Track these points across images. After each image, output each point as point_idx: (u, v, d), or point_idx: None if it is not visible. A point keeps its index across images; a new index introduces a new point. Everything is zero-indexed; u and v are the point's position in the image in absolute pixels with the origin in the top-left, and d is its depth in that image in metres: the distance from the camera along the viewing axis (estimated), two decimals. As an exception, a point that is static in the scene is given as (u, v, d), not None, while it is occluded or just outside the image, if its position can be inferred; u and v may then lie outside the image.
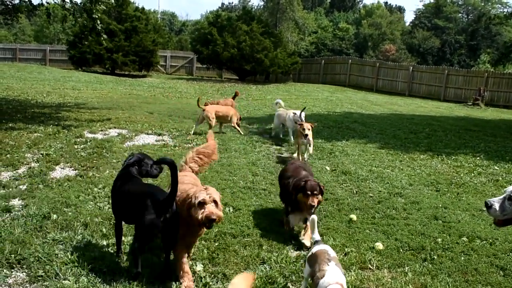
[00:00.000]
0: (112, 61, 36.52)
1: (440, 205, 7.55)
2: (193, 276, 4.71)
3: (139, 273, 4.58)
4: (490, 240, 6.16)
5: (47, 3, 16.62)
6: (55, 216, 6.02)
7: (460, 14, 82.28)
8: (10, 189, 7.08)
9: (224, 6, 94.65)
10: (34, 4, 16.86)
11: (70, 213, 6.19)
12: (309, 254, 4.44)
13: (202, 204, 4.42)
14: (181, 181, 4.80)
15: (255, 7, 65.42)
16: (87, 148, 10.05)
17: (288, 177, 6.33)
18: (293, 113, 12.37)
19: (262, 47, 35.97)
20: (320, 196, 5.80)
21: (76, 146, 10.21)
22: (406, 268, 5.26)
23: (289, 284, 4.80)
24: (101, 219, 6.06)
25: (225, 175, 8.66)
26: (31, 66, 36.55)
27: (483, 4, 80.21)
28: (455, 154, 11.84)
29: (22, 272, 4.71)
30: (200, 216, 4.39)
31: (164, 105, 19.61)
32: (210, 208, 4.41)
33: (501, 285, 5.01)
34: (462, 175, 9.81)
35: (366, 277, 4.98)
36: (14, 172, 8.06)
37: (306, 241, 5.78)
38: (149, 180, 6.33)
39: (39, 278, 4.59)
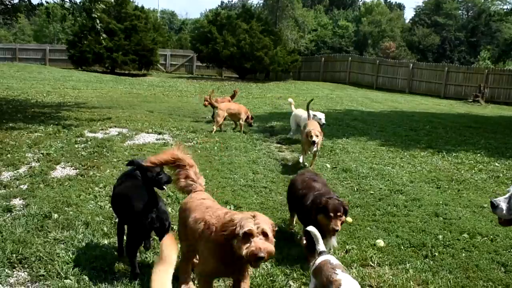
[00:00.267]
0: (112, 60, 36.51)
1: (440, 202, 7.56)
2: (194, 275, 4.72)
3: (137, 274, 4.59)
4: (491, 236, 6.17)
5: (47, 2, 16.64)
6: (56, 215, 6.04)
7: (460, 11, 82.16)
8: (11, 189, 7.09)
9: (224, 4, 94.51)
10: (34, 3, 16.86)
11: (71, 213, 6.20)
12: (313, 267, 4.17)
13: (248, 236, 3.57)
14: (206, 205, 4.29)
15: (255, 5, 65.37)
16: (88, 148, 10.06)
17: (303, 193, 5.53)
18: (313, 114, 11.41)
19: (262, 45, 35.93)
20: (344, 218, 5.03)
21: (76, 146, 10.21)
22: (407, 265, 5.26)
23: (290, 282, 4.81)
24: (102, 218, 6.07)
25: (225, 173, 8.66)
26: (31, 66, 36.55)
27: (483, 0, 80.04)
28: (455, 151, 11.83)
29: (24, 271, 4.72)
30: (244, 252, 3.56)
31: (164, 103, 19.61)
32: (257, 242, 3.55)
33: (502, 281, 5.02)
34: (462, 172, 9.81)
35: (367, 274, 4.99)
36: (15, 171, 8.07)
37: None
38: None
39: (41, 277, 4.61)
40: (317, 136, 9.13)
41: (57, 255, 4.99)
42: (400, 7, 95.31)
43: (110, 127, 12.48)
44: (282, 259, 5.25)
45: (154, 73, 41.69)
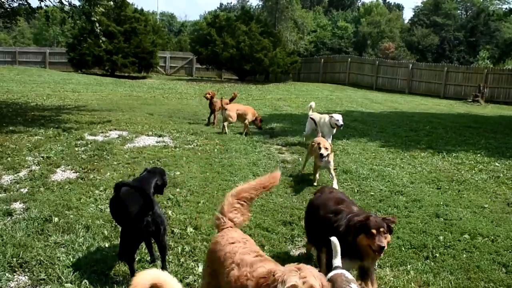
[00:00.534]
0: (112, 63, 36.50)
1: (441, 203, 7.55)
2: (195, 278, 4.73)
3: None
4: (492, 237, 6.17)
5: (46, 6, 16.66)
6: (56, 219, 6.03)
7: (459, 11, 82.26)
8: (11, 193, 7.10)
9: (223, 6, 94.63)
10: (33, 7, 16.88)
11: (71, 216, 6.19)
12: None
13: None
14: (234, 251, 3.56)
15: (254, 7, 65.46)
16: (88, 151, 10.05)
17: (331, 218, 4.67)
18: (330, 116, 11.30)
19: (261, 47, 35.94)
20: (388, 236, 4.25)
21: (76, 149, 10.21)
22: (408, 266, 5.27)
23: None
24: (103, 222, 6.06)
25: (226, 176, 8.66)
26: (30, 69, 36.55)
27: (481, 0, 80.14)
28: (455, 151, 11.83)
29: (24, 275, 4.72)
30: None
31: (164, 106, 19.61)
32: None
33: (503, 282, 5.02)
34: (463, 172, 9.81)
35: (368, 276, 4.98)
36: (15, 175, 8.07)
37: None
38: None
39: (41, 281, 4.61)
40: (326, 148, 8.21)
41: (58, 259, 4.99)
42: (399, 7, 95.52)
43: (110, 130, 12.48)
44: (282, 261, 5.23)
45: (154, 76, 41.69)
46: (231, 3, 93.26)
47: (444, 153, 11.53)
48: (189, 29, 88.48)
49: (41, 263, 4.89)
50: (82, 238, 5.53)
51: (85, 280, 4.59)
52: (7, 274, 4.67)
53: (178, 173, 8.61)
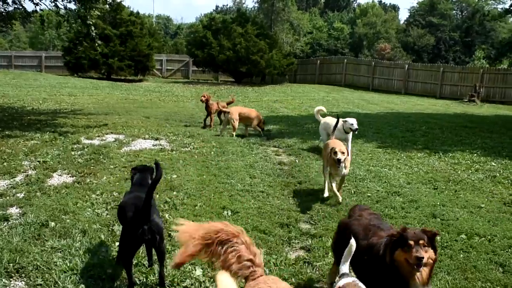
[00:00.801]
0: (108, 66, 36.50)
1: (438, 203, 7.56)
2: (192, 281, 4.72)
3: (133, 284, 4.59)
4: (489, 236, 6.17)
5: (41, 10, 16.64)
6: (53, 223, 6.01)
7: (454, 11, 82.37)
8: (8, 198, 7.07)
9: (219, 8, 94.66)
10: (28, 11, 16.86)
11: (68, 221, 6.17)
12: None
13: None
14: None
15: (250, 9, 65.48)
16: (84, 155, 10.04)
17: (368, 243, 4.16)
18: (343, 121, 10.82)
19: (257, 48, 35.98)
20: (431, 252, 3.73)
21: (73, 153, 10.18)
22: (405, 267, 5.26)
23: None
24: (100, 226, 6.05)
25: (222, 178, 8.65)
26: (26, 73, 36.53)
27: (477, 0, 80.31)
28: (452, 151, 11.85)
29: (21, 281, 4.70)
30: None
31: (161, 109, 19.60)
32: None
33: (501, 281, 5.02)
34: (459, 172, 9.82)
35: (365, 277, 4.97)
36: (11, 180, 8.04)
37: None
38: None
39: (38, 286, 4.59)
40: (343, 153, 7.40)
41: (54, 263, 4.97)
42: (395, 8, 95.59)
43: (107, 134, 12.46)
44: (279, 263, 5.24)
45: (150, 79, 41.68)
46: (227, 5, 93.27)
47: (441, 153, 11.54)
48: (185, 31, 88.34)
49: (37, 268, 4.87)
50: (79, 242, 5.51)
51: (82, 285, 4.58)
52: (3, 279, 4.65)
53: (174, 176, 8.60)
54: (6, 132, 12.08)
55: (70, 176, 8.43)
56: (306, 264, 5.31)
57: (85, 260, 5.06)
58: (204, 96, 15.08)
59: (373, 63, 39.88)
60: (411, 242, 3.68)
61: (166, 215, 6.51)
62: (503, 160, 11.01)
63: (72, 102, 20.93)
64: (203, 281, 4.78)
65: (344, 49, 72.11)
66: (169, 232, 5.91)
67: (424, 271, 3.69)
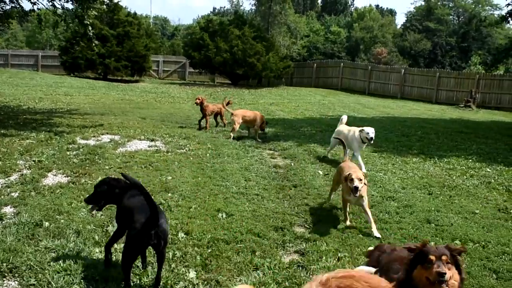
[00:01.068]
0: (105, 66, 36.45)
1: (432, 208, 7.57)
2: (186, 283, 4.72)
3: (129, 286, 4.58)
4: (483, 243, 6.18)
5: (39, 9, 16.61)
6: (47, 223, 6.00)
7: (451, 17, 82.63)
8: (2, 197, 7.05)
9: (216, 10, 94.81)
10: (26, 10, 16.83)
11: (62, 221, 6.16)
12: None
13: None
14: None
15: (247, 12, 65.53)
16: (80, 155, 10.02)
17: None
18: (360, 130, 10.36)
19: (254, 51, 36.01)
20: (455, 271, 3.44)
21: (68, 153, 10.16)
22: (399, 272, 5.26)
23: None
24: (94, 227, 6.03)
25: (217, 181, 8.64)
26: (23, 72, 36.44)
27: (473, 6, 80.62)
28: (447, 157, 11.87)
29: (14, 280, 4.69)
30: None
31: (157, 110, 19.59)
32: None
33: (494, 288, 5.03)
34: (454, 177, 9.84)
35: (359, 282, 4.97)
36: (6, 179, 8.02)
37: None
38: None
39: (31, 286, 4.58)
40: (360, 180, 6.51)
41: (48, 264, 4.95)
42: (392, 12, 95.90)
43: (102, 134, 12.44)
44: (274, 267, 5.24)
45: (147, 79, 41.66)
46: (224, 7, 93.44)
47: (436, 159, 11.57)
48: (182, 33, 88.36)
49: (31, 268, 4.86)
50: (73, 243, 5.50)
51: (76, 286, 4.57)
52: (-4, 279, 4.65)
53: (170, 177, 8.60)
54: (2, 131, 12.04)
55: (65, 176, 8.41)
56: (300, 268, 5.31)
57: (78, 261, 5.04)
58: (199, 99, 15.06)
59: (369, 67, 39.97)
60: (432, 258, 3.40)
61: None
62: (498, 166, 11.04)
63: (68, 101, 20.89)
64: (197, 284, 4.77)
65: (340, 53, 72.28)
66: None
67: None
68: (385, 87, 37.71)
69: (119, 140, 11.75)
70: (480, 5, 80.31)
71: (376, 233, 6.31)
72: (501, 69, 43.97)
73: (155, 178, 8.52)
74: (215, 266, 5.16)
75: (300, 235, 6.24)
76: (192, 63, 39.72)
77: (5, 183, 7.77)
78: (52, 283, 4.60)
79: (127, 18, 38.30)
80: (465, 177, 9.94)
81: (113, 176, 5.40)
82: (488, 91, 32.58)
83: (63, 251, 5.29)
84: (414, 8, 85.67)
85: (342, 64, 42.15)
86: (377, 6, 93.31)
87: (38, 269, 4.84)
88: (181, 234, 5.92)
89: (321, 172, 9.77)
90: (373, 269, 3.67)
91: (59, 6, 15.78)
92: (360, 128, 10.37)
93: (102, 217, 6.36)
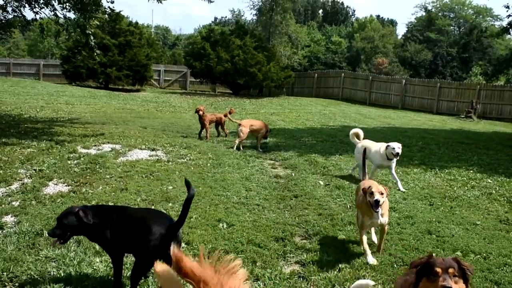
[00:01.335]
0: (106, 76, 36.55)
1: (433, 219, 7.55)
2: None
3: None
4: (484, 254, 6.17)
5: (41, 18, 16.67)
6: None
7: (452, 27, 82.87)
8: (3, 206, 7.05)
9: (217, 20, 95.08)
10: (28, 19, 16.89)
11: (63, 230, 6.14)
12: None
13: None
14: None
15: (248, 22, 65.74)
16: (80, 164, 10.02)
17: None
18: (386, 146, 9.83)
19: (255, 61, 36.11)
20: (463, 285, 3.31)
21: (69, 162, 10.17)
22: (400, 283, 5.24)
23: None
24: (94, 236, 6.02)
25: (218, 191, 8.64)
26: (24, 80, 36.52)
27: (474, 17, 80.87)
28: (448, 168, 11.87)
29: (14, 290, 4.68)
30: None
31: (158, 119, 19.61)
32: None
33: (495, 300, 5.01)
34: (455, 188, 9.82)
35: (360, 293, 4.96)
36: (7, 188, 8.03)
37: None
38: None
39: (32, 296, 4.57)
40: (381, 194, 5.77)
41: (48, 273, 4.95)
42: (393, 23, 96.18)
43: (103, 143, 12.44)
44: (274, 277, 5.22)
45: (148, 89, 41.76)
46: (225, 17, 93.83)
47: (437, 169, 11.56)
48: (184, 42, 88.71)
49: (31, 277, 4.85)
50: (73, 252, 5.50)
51: (76, 296, 4.57)
52: (-4, 289, 4.64)
53: (170, 187, 8.59)
54: (3, 140, 12.06)
55: (66, 185, 8.41)
56: (301, 278, 5.29)
57: (79, 271, 5.04)
58: (200, 110, 15.09)
59: (370, 77, 40.04)
60: (438, 270, 3.28)
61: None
62: (499, 177, 11.02)
63: (69, 110, 20.92)
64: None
65: (341, 63, 72.49)
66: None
67: None
68: (386, 98, 37.76)
69: (120, 149, 11.76)
70: (481, 16, 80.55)
71: (371, 259, 5.72)
72: (502, 80, 44.02)
73: (156, 187, 8.52)
74: (215, 277, 5.14)
75: (301, 245, 6.22)
76: (193, 73, 39.83)
77: (6, 192, 7.78)
78: (53, 293, 4.59)
79: (129, 28, 38.48)
80: (466, 188, 9.93)
81: (79, 205, 5.00)
82: (489, 102, 32.60)
83: (63, 260, 5.28)
84: (415, 18, 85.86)
85: (343, 74, 42.22)
86: (378, 16, 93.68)
87: (39, 278, 4.84)
88: (182, 244, 5.90)
89: (322, 183, 9.76)
90: (371, 282, 3.64)
91: (61, 16, 15.85)
92: (387, 144, 9.82)
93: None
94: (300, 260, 5.79)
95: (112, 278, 4.83)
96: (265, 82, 36.93)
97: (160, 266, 2.77)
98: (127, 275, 4.87)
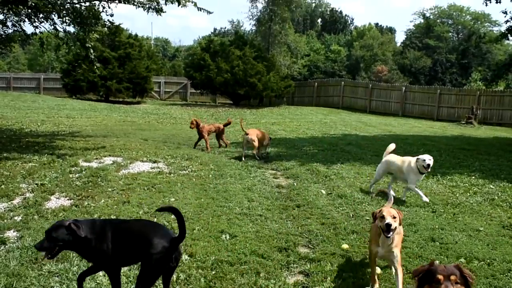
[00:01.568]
0: (106, 88, 36.62)
1: (436, 226, 7.54)
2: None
3: None
4: (488, 260, 6.15)
5: (41, 32, 16.73)
6: (50, 247, 5.97)
7: (450, 34, 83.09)
8: (5, 221, 7.05)
9: (217, 31, 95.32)
10: (28, 33, 16.96)
11: (65, 244, 6.13)
12: None
13: None
14: None
15: (248, 32, 65.89)
16: (82, 177, 10.02)
17: None
18: (416, 159, 9.23)
19: (255, 71, 36.18)
20: None
21: (71, 175, 10.17)
22: (405, 292, 5.22)
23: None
24: (97, 250, 6.01)
25: (220, 202, 8.63)
26: (25, 94, 36.58)
27: (473, 23, 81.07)
28: (450, 174, 11.85)
29: (18, 306, 4.67)
30: None
31: (159, 131, 19.62)
32: None
33: (500, 307, 4.99)
34: (457, 195, 9.81)
35: (364, 302, 4.95)
36: (9, 203, 8.03)
37: None
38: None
39: (35, 312, 4.55)
40: (393, 217, 5.07)
41: (52, 288, 4.95)
42: (391, 30, 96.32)
43: (105, 156, 12.44)
44: (278, 288, 5.21)
45: (148, 101, 41.83)
46: (225, 28, 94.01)
47: (439, 176, 11.54)
48: (183, 54, 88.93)
49: (34, 293, 4.85)
50: (76, 266, 5.49)
51: (79, 310, 4.55)
52: (0, 304, 4.63)
53: (172, 199, 8.59)
54: (4, 154, 12.06)
55: (68, 199, 8.41)
56: (305, 289, 5.28)
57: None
58: (193, 123, 15.14)
59: (370, 85, 40.07)
60: (440, 277, 3.32)
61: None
62: (501, 183, 11.01)
63: (70, 124, 20.94)
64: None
65: (341, 71, 72.62)
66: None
67: None
68: (386, 105, 37.80)
69: (121, 162, 11.76)
70: (479, 22, 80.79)
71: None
72: (502, 85, 44.04)
73: (158, 200, 8.52)
74: (219, 288, 5.14)
75: (304, 255, 6.21)
76: (193, 84, 39.90)
77: (8, 207, 7.78)
78: (56, 307, 4.58)
79: (128, 40, 38.60)
80: (468, 194, 9.92)
81: (70, 219, 4.77)
82: (489, 108, 32.64)
83: (66, 275, 5.27)
84: (413, 26, 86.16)
85: (343, 82, 42.28)
86: (376, 24, 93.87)
87: (42, 293, 4.83)
88: (184, 256, 5.89)
89: (324, 192, 9.75)
90: None
91: (61, 29, 15.90)
92: (416, 157, 9.22)
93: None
94: (303, 270, 5.78)
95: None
96: (265, 92, 36.98)
97: None
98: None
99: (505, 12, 22.89)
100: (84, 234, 4.38)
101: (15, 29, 16.63)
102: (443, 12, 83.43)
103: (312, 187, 10.15)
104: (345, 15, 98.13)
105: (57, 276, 5.27)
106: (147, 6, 14.97)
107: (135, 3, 14.92)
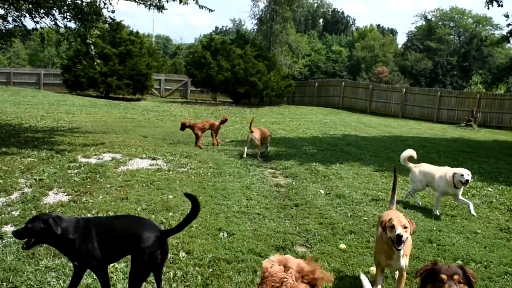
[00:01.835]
0: (107, 85, 36.65)
1: (434, 228, 7.54)
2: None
3: None
4: (485, 263, 6.15)
5: (41, 28, 16.71)
6: (47, 242, 5.97)
7: (451, 36, 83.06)
8: (3, 215, 7.03)
9: (218, 29, 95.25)
10: (28, 28, 16.94)
11: (63, 240, 6.13)
12: None
13: None
14: None
15: (249, 31, 65.89)
16: (81, 173, 10.01)
17: None
18: (454, 173, 8.53)
19: (256, 70, 36.18)
20: None
21: (69, 171, 10.16)
22: (401, 293, 5.22)
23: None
24: (94, 246, 6.00)
25: (219, 200, 8.62)
26: (25, 90, 36.57)
27: (474, 26, 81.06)
28: (449, 176, 11.83)
29: (14, 300, 4.66)
30: None
31: (158, 128, 19.60)
32: None
33: (497, 309, 4.99)
34: (456, 197, 9.80)
35: (361, 302, 4.94)
36: (7, 197, 8.01)
37: None
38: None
39: (31, 306, 4.55)
40: (405, 228, 4.61)
41: (48, 283, 4.94)
42: (393, 32, 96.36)
43: (104, 152, 12.43)
44: None
45: (149, 98, 41.83)
46: (226, 26, 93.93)
47: (437, 178, 11.52)
48: (184, 52, 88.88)
49: (31, 287, 4.84)
50: (73, 262, 5.48)
51: (75, 306, 4.55)
52: (-4, 299, 4.62)
53: (171, 196, 8.58)
54: (3, 149, 12.05)
55: (66, 195, 8.40)
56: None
57: (79, 280, 5.02)
58: (184, 124, 15.26)
59: (370, 86, 40.10)
60: (444, 277, 3.32)
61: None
62: (500, 186, 11.02)
63: (69, 120, 20.92)
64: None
65: (342, 72, 72.62)
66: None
67: None
68: (387, 106, 37.81)
69: (120, 159, 11.75)
70: (480, 25, 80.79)
71: None
72: (502, 89, 44.04)
73: (157, 197, 8.51)
74: (216, 286, 5.14)
75: (301, 254, 6.20)
76: (194, 82, 39.89)
77: (5, 202, 7.76)
78: (52, 303, 4.57)
79: (130, 37, 38.60)
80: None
81: (53, 214, 4.44)
82: (489, 110, 32.69)
83: (63, 270, 5.26)
84: (415, 27, 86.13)
85: (343, 83, 42.30)
86: (378, 25, 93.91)
87: (38, 288, 4.82)
88: (182, 254, 5.89)
89: (322, 192, 9.74)
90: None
91: (62, 25, 15.89)
92: (454, 171, 8.56)
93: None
94: (300, 270, 5.76)
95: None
96: (266, 91, 36.99)
97: None
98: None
99: (507, 16, 22.90)
100: (60, 232, 4.20)
101: (16, 24, 16.60)
102: (444, 15, 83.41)
103: (311, 186, 10.14)
104: (347, 15, 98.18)
105: (54, 271, 5.26)
106: (149, 3, 14.98)
107: (137, 0, 14.90)
